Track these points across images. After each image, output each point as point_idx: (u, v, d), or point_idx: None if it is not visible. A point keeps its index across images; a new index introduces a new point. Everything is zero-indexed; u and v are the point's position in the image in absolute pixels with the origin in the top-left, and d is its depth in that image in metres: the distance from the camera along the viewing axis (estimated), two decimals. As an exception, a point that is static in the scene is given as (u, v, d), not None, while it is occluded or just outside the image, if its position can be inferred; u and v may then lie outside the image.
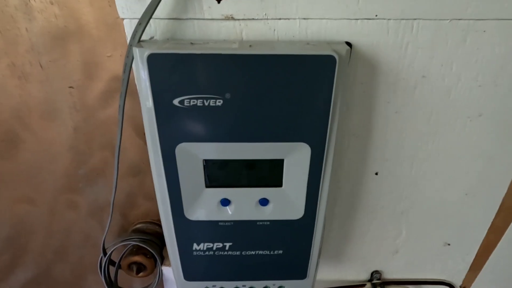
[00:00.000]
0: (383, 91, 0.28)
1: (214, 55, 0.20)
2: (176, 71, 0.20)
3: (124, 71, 0.25)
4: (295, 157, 0.24)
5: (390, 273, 0.42)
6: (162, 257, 0.41)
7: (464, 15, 0.24)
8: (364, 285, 0.42)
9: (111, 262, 0.40)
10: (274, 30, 0.25)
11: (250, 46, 0.21)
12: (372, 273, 0.41)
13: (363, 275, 0.42)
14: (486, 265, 0.40)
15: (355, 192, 0.34)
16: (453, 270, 0.41)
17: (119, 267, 0.41)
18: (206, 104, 0.21)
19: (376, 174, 0.33)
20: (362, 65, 0.26)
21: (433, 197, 0.34)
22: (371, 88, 0.27)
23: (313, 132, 0.23)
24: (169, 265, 0.41)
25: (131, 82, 0.25)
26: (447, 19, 0.25)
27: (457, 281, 0.43)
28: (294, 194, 0.26)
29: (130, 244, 0.40)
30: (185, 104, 0.21)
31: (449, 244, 0.39)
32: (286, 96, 0.21)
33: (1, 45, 0.28)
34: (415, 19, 0.25)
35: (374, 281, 0.41)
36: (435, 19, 0.25)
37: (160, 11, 0.24)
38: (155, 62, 0.20)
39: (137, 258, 0.40)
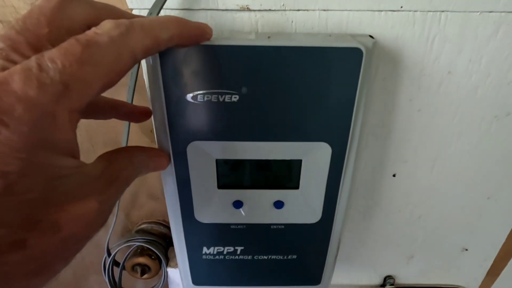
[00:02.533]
0: (406, 88, 0.26)
1: (231, 46, 0.18)
2: (189, 65, 0.19)
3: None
4: (314, 158, 0.22)
5: (404, 279, 0.40)
6: (167, 258, 0.40)
7: (496, 7, 0.23)
8: (377, 290, 0.40)
9: (115, 263, 0.39)
10: (292, 21, 0.23)
11: (269, 37, 0.20)
12: (385, 278, 0.40)
13: (376, 280, 0.41)
14: (504, 270, 0.39)
15: (370, 195, 0.32)
16: (469, 276, 0.40)
17: (123, 268, 0.40)
18: (221, 99, 0.20)
19: (394, 176, 0.31)
20: (385, 60, 0.25)
21: (453, 201, 0.33)
22: (393, 84, 0.26)
23: (335, 131, 0.21)
24: (174, 266, 0.39)
25: (138, 76, 0.24)
26: (477, 11, 0.23)
27: (474, 287, 0.41)
28: (311, 197, 0.24)
29: (134, 245, 0.39)
30: (199, 99, 0.20)
31: (466, 250, 0.37)
32: (307, 92, 0.20)
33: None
34: (443, 11, 0.23)
35: (387, 286, 0.40)
36: (464, 11, 0.23)
37: (171, 1, 0.22)
38: (167, 55, 0.18)
39: (141, 260, 0.39)
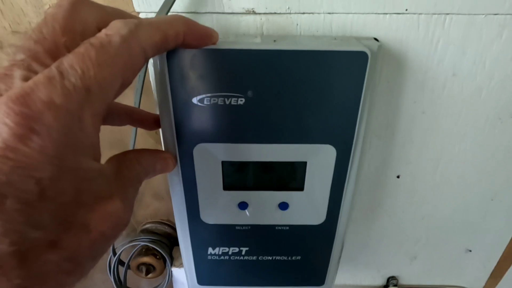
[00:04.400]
0: (410, 90, 0.26)
1: (237, 50, 0.19)
2: (196, 68, 0.19)
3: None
4: (319, 160, 0.22)
5: (407, 279, 0.40)
6: (171, 258, 0.40)
7: (501, 9, 0.23)
8: (380, 290, 0.41)
9: (120, 262, 0.40)
10: (297, 24, 0.23)
11: (275, 41, 0.20)
12: (388, 279, 0.40)
13: (379, 281, 0.41)
14: (508, 272, 0.39)
15: (374, 196, 0.33)
16: (473, 277, 0.40)
17: (128, 267, 0.40)
18: (227, 102, 0.20)
19: (398, 177, 0.31)
20: (389, 62, 0.25)
21: (456, 202, 0.33)
22: (397, 87, 0.26)
23: (340, 133, 0.21)
24: (178, 266, 0.40)
25: (145, 80, 0.24)
26: (482, 14, 0.23)
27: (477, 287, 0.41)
28: (316, 199, 0.24)
29: (139, 244, 0.39)
30: (205, 102, 0.20)
31: (470, 251, 0.37)
32: (312, 95, 0.20)
33: (12, 38, 0.27)
34: (448, 13, 0.23)
35: (391, 287, 0.40)
36: (469, 14, 0.23)
37: (177, 5, 0.22)
38: (174, 58, 0.19)
39: (146, 259, 0.40)
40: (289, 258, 0.27)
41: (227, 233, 0.26)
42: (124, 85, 0.14)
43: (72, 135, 0.12)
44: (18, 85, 0.12)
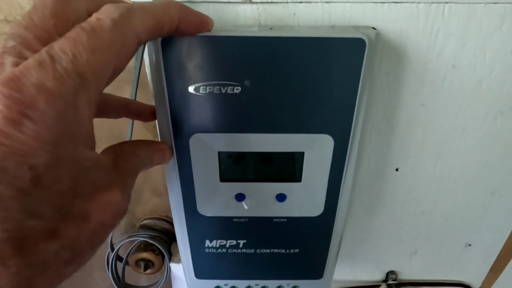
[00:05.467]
0: (409, 82, 0.26)
1: (233, 37, 0.18)
2: (191, 56, 0.19)
3: (136, 58, 0.23)
4: (317, 150, 0.22)
5: (407, 274, 0.40)
6: (170, 254, 0.40)
7: (501, -2, 0.22)
8: (379, 285, 0.40)
9: (118, 258, 0.39)
10: (295, 14, 0.23)
11: (271, 28, 0.20)
12: (387, 274, 0.40)
13: (378, 276, 0.40)
14: (508, 267, 0.39)
15: (373, 190, 0.32)
16: (472, 272, 0.40)
17: (127, 263, 0.40)
18: (223, 91, 0.20)
19: (397, 170, 0.31)
20: (388, 54, 0.24)
21: (456, 197, 0.33)
22: (396, 79, 0.26)
23: (338, 123, 0.21)
24: (177, 262, 0.40)
25: (141, 72, 0.24)
26: (482, 3, 0.23)
27: (477, 283, 0.41)
28: (314, 190, 0.24)
29: (137, 240, 0.39)
30: (201, 91, 0.20)
31: (470, 245, 0.37)
32: (309, 83, 0.20)
33: (6, 27, 0.27)
34: (447, 2, 0.23)
35: (390, 282, 0.40)
36: (468, 3, 0.23)
37: (174, -7, 0.22)
38: (169, 47, 0.19)
39: (145, 255, 0.39)
40: (287, 250, 0.27)
41: (225, 226, 0.25)
42: (117, 71, 0.14)
43: (68, 122, 0.12)
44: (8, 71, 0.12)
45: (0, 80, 0.11)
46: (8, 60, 0.12)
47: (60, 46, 0.12)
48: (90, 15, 0.14)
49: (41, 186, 0.12)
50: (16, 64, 0.12)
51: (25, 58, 0.12)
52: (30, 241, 0.11)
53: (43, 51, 0.12)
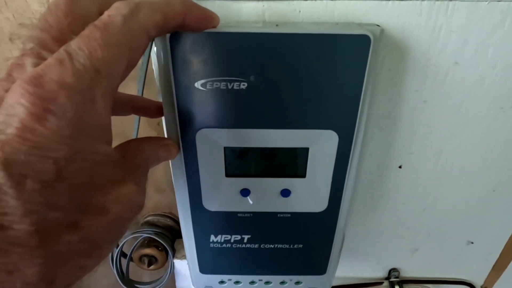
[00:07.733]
0: (412, 79, 0.26)
1: (240, 34, 0.19)
2: (198, 52, 0.19)
3: (143, 54, 0.24)
4: (321, 146, 0.23)
5: (409, 272, 0.40)
6: (174, 250, 0.40)
7: (504, -4, 0.23)
8: (382, 283, 0.41)
9: (122, 254, 0.40)
10: (299, 11, 0.23)
11: (277, 25, 0.20)
12: (389, 271, 0.40)
13: (380, 273, 0.41)
14: (510, 264, 0.39)
15: (375, 187, 0.33)
16: (474, 270, 0.40)
17: (131, 259, 0.40)
18: (230, 87, 0.20)
19: (400, 167, 0.31)
20: (391, 50, 0.25)
21: (458, 193, 0.33)
22: (399, 75, 0.26)
23: (342, 119, 0.21)
24: (180, 258, 0.40)
25: (148, 68, 0.24)
26: (486, 1, 0.23)
27: (479, 281, 0.41)
28: (318, 186, 0.24)
29: (141, 236, 0.40)
30: (208, 87, 0.20)
31: (472, 243, 0.37)
32: (315, 79, 0.20)
33: (15, 29, 0.27)
34: (451, 0, 0.23)
35: (392, 279, 0.40)
36: (472, 1, 0.23)
37: (180, -9, 0.22)
38: (177, 42, 0.19)
39: (149, 251, 0.40)
40: (291, 246, 0.27)
41: (229, 221, 0.26)
42: (130, 66, 0.15)
43: (86, 116, 0.13)
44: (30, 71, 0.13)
45: (24, 79, 0.12)
46: (28, 61, 0.13)
47: (77, 44, 0.13)
48: (101, 13, 0.14)
49: (62, 179, 0.12)
50: (36, 65, 0.13)
51: (44, 59, 0.13)
52: (54, 232, 0.12)
53: (62, 50, 0.12)
